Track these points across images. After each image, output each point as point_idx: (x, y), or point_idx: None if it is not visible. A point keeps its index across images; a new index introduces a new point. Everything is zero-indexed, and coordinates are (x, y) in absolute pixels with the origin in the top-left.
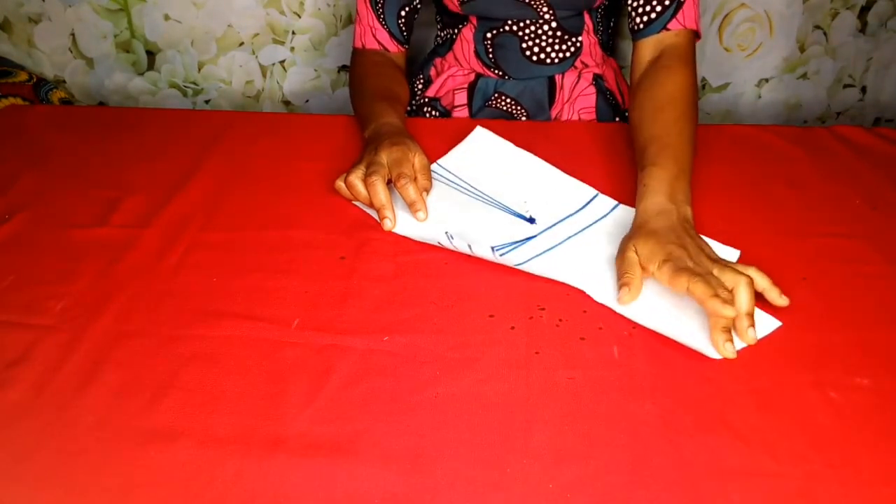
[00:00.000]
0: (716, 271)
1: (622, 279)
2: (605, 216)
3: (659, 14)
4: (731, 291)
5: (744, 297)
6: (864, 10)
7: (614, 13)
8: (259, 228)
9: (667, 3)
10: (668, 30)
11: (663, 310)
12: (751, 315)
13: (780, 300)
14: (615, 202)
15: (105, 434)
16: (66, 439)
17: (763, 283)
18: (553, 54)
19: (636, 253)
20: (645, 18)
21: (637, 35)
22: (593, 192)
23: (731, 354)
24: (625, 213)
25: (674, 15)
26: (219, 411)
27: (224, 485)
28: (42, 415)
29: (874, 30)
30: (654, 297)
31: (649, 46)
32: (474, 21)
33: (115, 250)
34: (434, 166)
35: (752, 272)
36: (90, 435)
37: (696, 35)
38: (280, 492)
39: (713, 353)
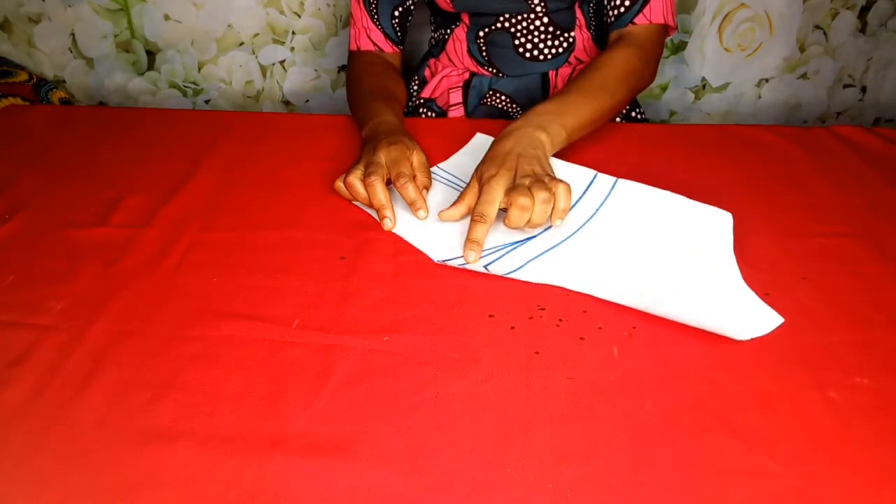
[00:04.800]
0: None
1: (463, 193)
2: (606, 198)
3: (627, 9)
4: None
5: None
6: (864, 10)
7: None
8: (259, 228)
9: None
10: (634, 24)
11: (673, 297)
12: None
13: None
14: (614, 179)
15: (105, 434)
16: (67, 439)
17: (561, 203)
18: (546, 50)
19: (479, 173)
20: (615, 13)
21: (608, 27)
22: (592, 172)
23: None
24: (626, 187)
25: (640, 10)
26: (219, 411)
27: (224, 484)
28: (42, 415)
29: (874, 30)
30: (662, 286)
31: (614, 37)
32: (466, 19)
33: (115, 250)
34: (434, 169)
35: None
36: (90, 435)
37: (665, 28)
38: (280, 491)
39: (718, 329)
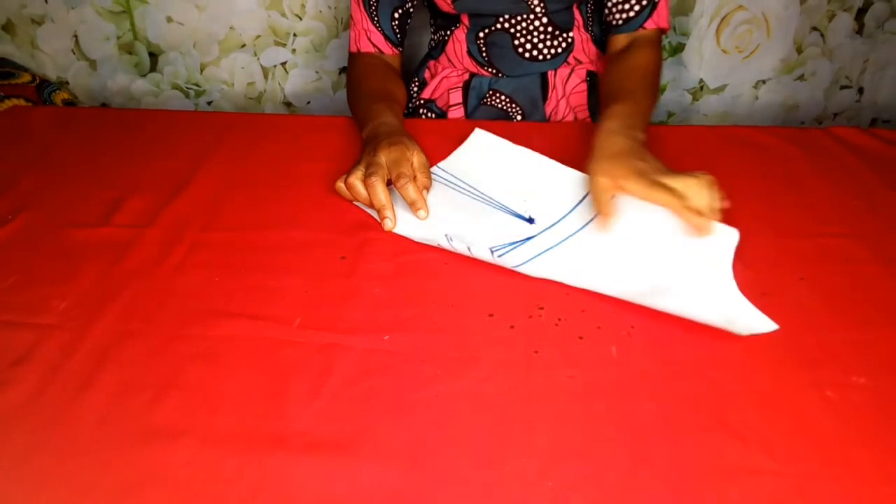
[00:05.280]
0: (679, 184)
1: (597, 208)
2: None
3: (637, 13)
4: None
5: (703, 199)
6: (860, 12)
7: (602, 7)
8: (260, 228)
9: (644, 3)
10: (643, 28)
11: (673, 291)
12: (716, 210)
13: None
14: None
15: (107, 433)
16: (68, 438)
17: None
18: (545, 50)
19: (606, 175)
20: (623, 17)
21: (613, 30)
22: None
23: (710, 230)
24: (623, 202)
25: (649, 16)
26: (220, 410)
27: (225, 484)
28: (44, 414)
29: (871, 31)
30: (662, 281)
31: (623, 39)
32: (466, 21)
33: (117, 250)
34: (434, 169)
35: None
36: (92, 434)
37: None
38: (281, 490)
39: (722, 324)
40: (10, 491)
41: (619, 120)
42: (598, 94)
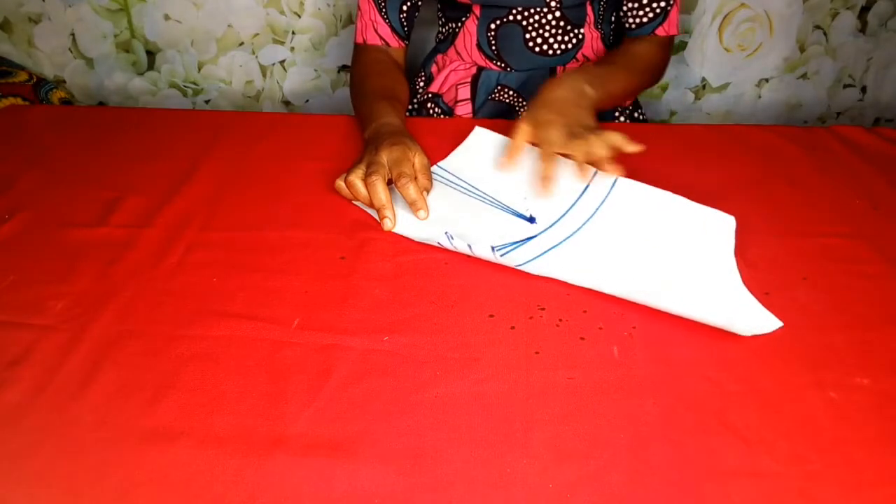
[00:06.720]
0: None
1: (507, 149)
2: (606, 197)
3: (650, 20)
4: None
5: (597, 147)
6: (864, 10)
7: (617, 7)
8: (259, 228)
9: (657, 11)
10: (654, 34)
11: (676, 289)
12: (605, 157)
13: (631, 147)
14: (614, 176)
15: (105, 434)
16: (66, 439)
17: (616, 139)
18: (556, 45)
19: (531, 122)
20: (636, 22)
21: (627, 33)
22: (591, 169)
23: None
24: (626, 187)
25: (660, 24)
26: (219, 411)
27: (224, 484)
28: (42, 414)
29: (874, 30)
30: (665, 278)
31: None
32: (477, 12)
33: (115, 250)
34: (434, 168)
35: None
36: (90, 435)
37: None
38: (280, 491)
39: (724, 325)
40: (8, 491)
41: (578, 74)
42: None
